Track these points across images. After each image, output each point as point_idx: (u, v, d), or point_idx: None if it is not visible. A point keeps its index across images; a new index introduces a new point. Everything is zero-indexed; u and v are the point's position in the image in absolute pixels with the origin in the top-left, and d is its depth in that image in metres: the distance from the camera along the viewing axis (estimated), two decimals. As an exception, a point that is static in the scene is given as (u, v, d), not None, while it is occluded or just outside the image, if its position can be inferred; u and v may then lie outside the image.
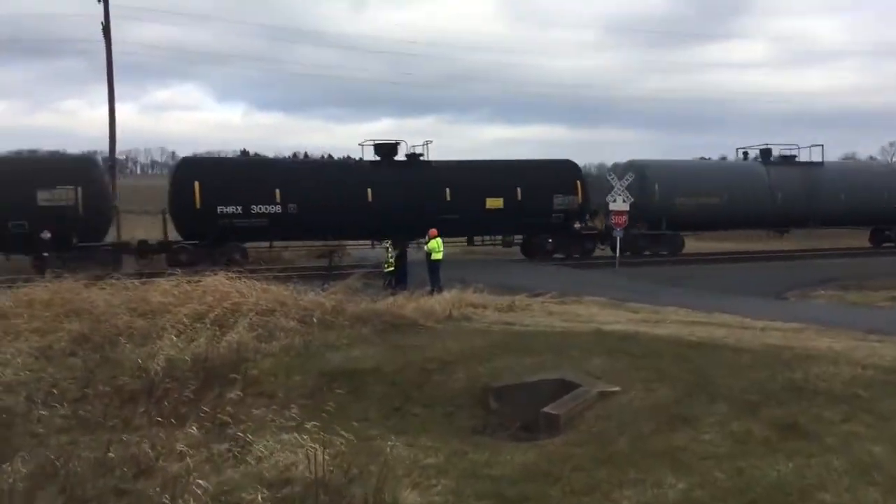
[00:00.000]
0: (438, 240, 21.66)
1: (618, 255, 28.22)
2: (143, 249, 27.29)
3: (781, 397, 9.28)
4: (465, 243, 31.36)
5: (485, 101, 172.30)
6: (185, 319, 13.63)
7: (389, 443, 8.62)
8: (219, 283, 15.18)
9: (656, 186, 32.25)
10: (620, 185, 27.95)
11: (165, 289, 14.90)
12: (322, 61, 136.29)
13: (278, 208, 27.48)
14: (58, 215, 24.89)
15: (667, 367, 10.93)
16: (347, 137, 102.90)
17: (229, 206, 26.92)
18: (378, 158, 30.16)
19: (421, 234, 27.57)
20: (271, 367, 12.04)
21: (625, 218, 27.76)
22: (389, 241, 21.53)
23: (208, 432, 9.78)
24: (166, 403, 10.48)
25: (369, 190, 28.72)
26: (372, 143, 30.35)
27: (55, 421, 9.87)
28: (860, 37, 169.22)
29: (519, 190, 30.33)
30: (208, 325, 13.19)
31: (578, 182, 31.80)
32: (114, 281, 15.50)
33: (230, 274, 15.83)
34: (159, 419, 10.06)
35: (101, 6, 39.88)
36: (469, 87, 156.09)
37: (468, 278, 24.01)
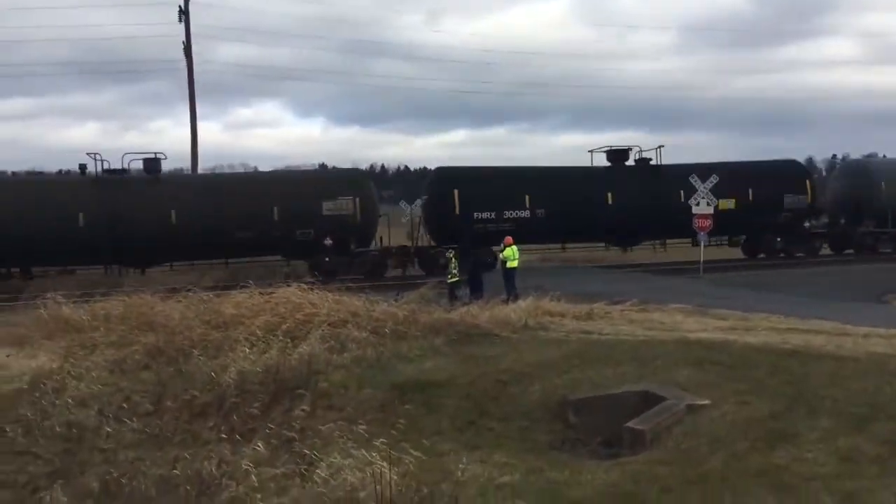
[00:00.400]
0: (514, 247, 21.13)
1: (702, 259, 27.05)
2: (400, 254, 28.96)
3: (891, 411, 8.41)
4: (690, 244, 31.13)
5: (560, 108, 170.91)
6: (257, 331, 13.50)
7: (462, 463, 8.11)
8: (291, 295, 15.02)
9: (882, 185, 32.40)
10: (704, 188, 26.82)
11: (238, 301, 14.81)
12: (397, 74, 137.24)
13: (527, 213, 28.90)
14: (339, 224, 27.25)
15: (761, 378, 10.15)
16: (422, 149, 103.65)
17: (484, 213, 28.36)
18: (609, 164, 31.57)
19: (656, 235, 31.19)
20: (342, 380, 11.73)
21: (709, 222, 26.59)
22: (454, 251, 21.01)
23: (276, 448, 9.53)
24: (235, 417, 10.29)
25: (609, 194, 29.99)
26: (606, 149, 31.78)
27: (125, 435, 9.77)
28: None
29: (750, 191, 31.13)
30: (280, 337, 12.98)
31: (807, 182, 32.63)
32: (188, 294, 15.51)
33: (302, 286, 15.65)
34: (228, 434, 9.86)
35: (182, 27, 41.22)
36: (544, 95, 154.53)
37: (546, 286, 23.53)
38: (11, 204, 25.77)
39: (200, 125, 39.57)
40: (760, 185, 31.35)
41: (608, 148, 31.85)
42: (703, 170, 28.70)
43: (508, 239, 21.35)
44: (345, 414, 10.52)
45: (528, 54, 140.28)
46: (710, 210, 26.63)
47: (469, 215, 28.23)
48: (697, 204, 26.53)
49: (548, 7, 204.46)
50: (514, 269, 21.04)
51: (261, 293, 15.17)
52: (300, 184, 29.17)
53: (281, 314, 14.09)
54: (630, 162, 31.87)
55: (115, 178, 27.29)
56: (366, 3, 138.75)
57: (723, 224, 29.52)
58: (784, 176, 32.30)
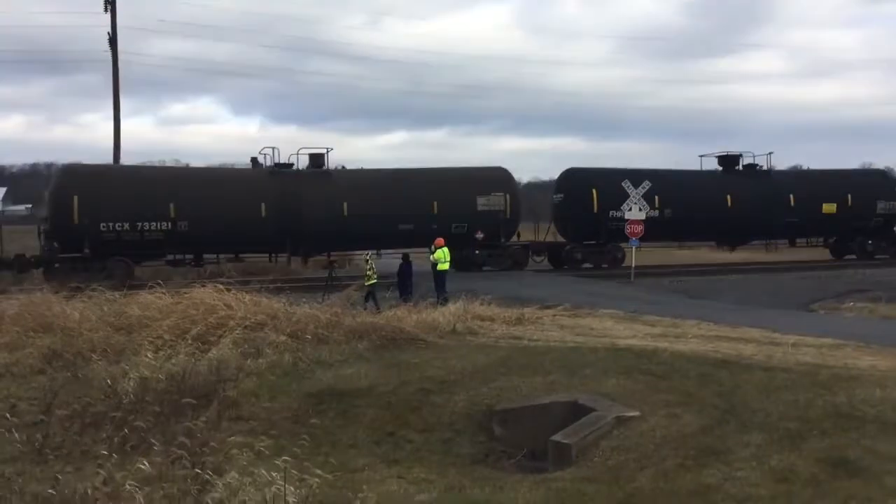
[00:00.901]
0: (445, 249, 20.59)
1: (633, 265, 27.00)
2: (537, 249, 31.08)
3: (825, 426, 8.10)
4: (788, 244, 35.15)
5: (499, 113, 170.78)
6: (164, 335, 12.58)
7: (376, 479, 7.47)
8: (205, 296, 14.13)
9: None
10: (637, 193, 26.78)
11: (146, 302, 13.86)
12: (337, 74, 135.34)
13: (656, 213, 29.87)
14: (491, 218, 29.12)
15: (691, 388, 9.78)
16: (362, 150, 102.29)
17: (617, 212, 28.62)
18: (721, 168, 33.53)
19: (765, 236, 34.16)
20: (253, 388, 10.96)
21: (641, 227, 26.52)
22: (371, 252, 20.27)
23: (170, 465, 8.70)
24: (130, 430, 9.40)
25: (728, 197, 31.97)
26: (718, 154, 33.69)
27: (4, 448, 8.81)
28: (876, 49, 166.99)
29: (849, 196, 33.51)
30: (189, 342, 12.12)
31: None
32: (92, 294, 14.47)
33: (218, 286, 14.77)
34: (120, 448, 9.01)
35: (109, 17, 39.54)
36: (483, 100, 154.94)
37: (477, 289, 23.06)
38: (200, 195, 26.89)
39: (133, 120, 38.20)
40: (858, 191, 33.81)
41: (723, 153, 33.55)
42: (815, 176, 34.10)
43: (440, 240, 20.80)
44: (252, 426, 9.78)
45: (469, 58, 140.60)
46: (643, 216, 26.58)
47: (606, 213, 29.45)
48: (630, 209, 26.45)
49: (490, 13, 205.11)
50: (444, 271, 20.53)
51: (173, 294, 14.23)
52: (457, 180, 30.22)
53: (191, 317, 13.20)
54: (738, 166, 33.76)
55: (288, 171, 28.85)
56: (308, 2, 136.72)
57: (825, 227, 33.63)
58: (877, 184, 35.16)
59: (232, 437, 9.34)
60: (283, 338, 13.04)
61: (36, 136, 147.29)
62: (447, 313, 16.71)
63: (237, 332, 12.83)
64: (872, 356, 11.48)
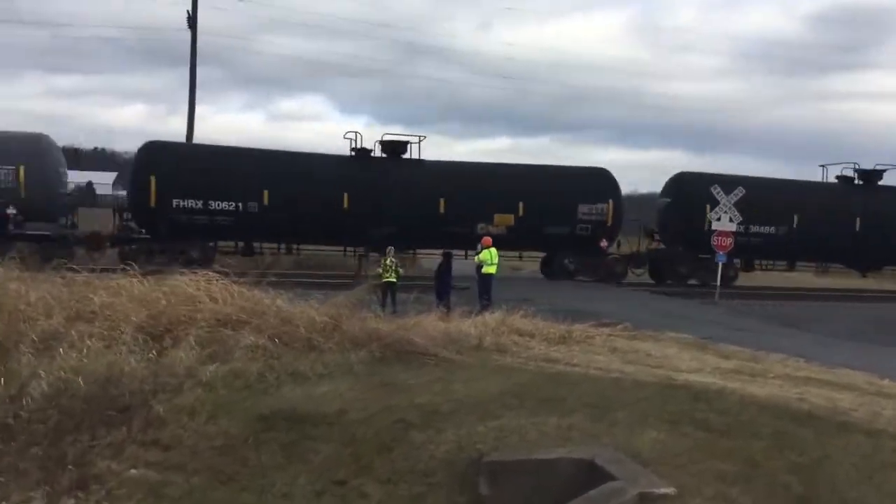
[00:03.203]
0: (493, 250, 18.04)
1: (718, 283, 23.73)
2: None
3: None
4: None
5: (604, 122, 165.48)
6: (122, 326, 10.54)
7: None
8: (185, 285, 12.05)
9: None
10: (728, 201, 23.51)
11: (115, 286, 11.88)
12: (445, 78, 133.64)
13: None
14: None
15: (758, 455, 6.99)
16: (463, 154, 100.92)
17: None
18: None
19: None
20: (194, 403, 8.74)
21: (730, 241, 23.26)
22: (392, 247, 17.82)
23: (53, 501, 6.56)
24: (14, 448, 7.30)
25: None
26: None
27: None
28: None
29: None
30: (139, 338, 10.02)
31: None
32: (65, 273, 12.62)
33: (211, 274, 12.68)
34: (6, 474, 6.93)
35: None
36: (588, 109, 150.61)
37: (534, 298, 20.42)
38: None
39: (245, 115, 37.39)
40: None
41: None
42: None
43: (487, 240, 18.29)
44: (166, 456, 7.53)
45: (578, 65, 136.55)
46: (733, 227, 23.33)
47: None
48: (718, 219, 23.23)
49: (604, 19, 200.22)
50: (490, 275, 17.99)
51: (147, 278, 12.22)
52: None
53: (161, 308, 11.13)
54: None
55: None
56: (420, 3, 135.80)
57: None
58: None
59: (132, 471, 7.12)
60: (262, 340, 10.80)
61: (154, 126, 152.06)
62: (480, 324, 14.22)
63: (204, 329, 10.63)
64: None
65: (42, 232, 24.38)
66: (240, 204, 24.99)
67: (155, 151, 26.14)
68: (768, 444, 7.33)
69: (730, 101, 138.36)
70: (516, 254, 28.12)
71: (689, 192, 28.50)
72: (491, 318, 14.79)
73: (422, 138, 27.09)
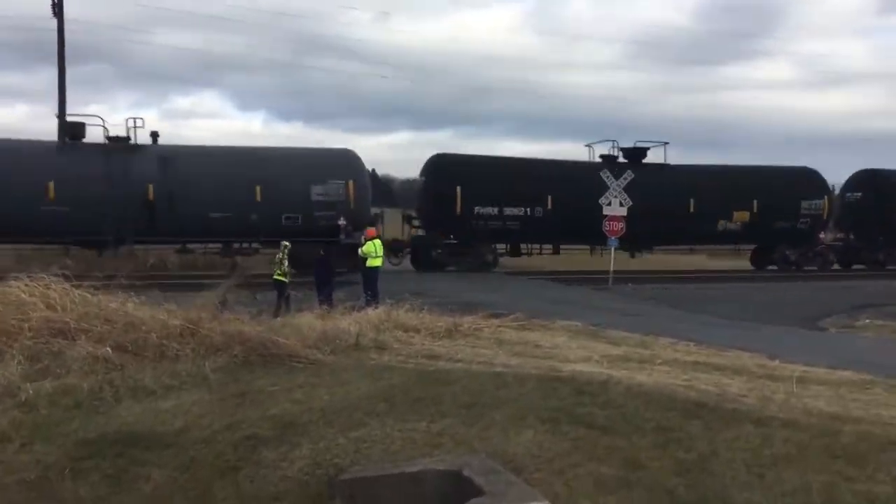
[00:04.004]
0: (377, 242, 17.08)
1: (612, 269, 23.48)
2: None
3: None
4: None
5: (505, 115, 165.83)
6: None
7: None
8: (19, 290, 10.62)
9: None
10: (618, 185, 23.27)
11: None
12: (343, 71, 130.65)
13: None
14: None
15: (642, 454, 6.31)
16: (367, 148, 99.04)
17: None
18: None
19: None
20: (5, 428, 7.45)
21: (621, 225, 23.01)
22: (286, 243, 16.66)
23: None
24: None
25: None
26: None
27: None
28: (886, 60, 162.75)
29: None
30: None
31: None
32: None
33: (50, 279, 11.22)
34: None
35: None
36: (489, 101, 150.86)
37: (428, 291, 19.57)
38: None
39: (139, 112, 34.71)
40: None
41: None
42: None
43: (371, 231, 17.29)
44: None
45: (477, 59, 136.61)
46: (624, 212, 23.10)
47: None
48: (609, 203, 22.95)
49: (501, 13, 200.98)
50: (376, 268, 17.03)
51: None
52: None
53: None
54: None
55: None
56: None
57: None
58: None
59: None
60: (103, 350, 9.53)
61: (38, 125, 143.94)
62: (363, 321, 13.27)
63: (34, 340, 9.30)
64: (915, 402, 7.99)
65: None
66: (528, 209, 26.93)
67: (457, 165, 27.90)
68: (653, 440, 6.68)
69: (624, 91, 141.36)
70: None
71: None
72: (374, 313, 13.87)
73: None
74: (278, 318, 13.13)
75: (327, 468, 6.78)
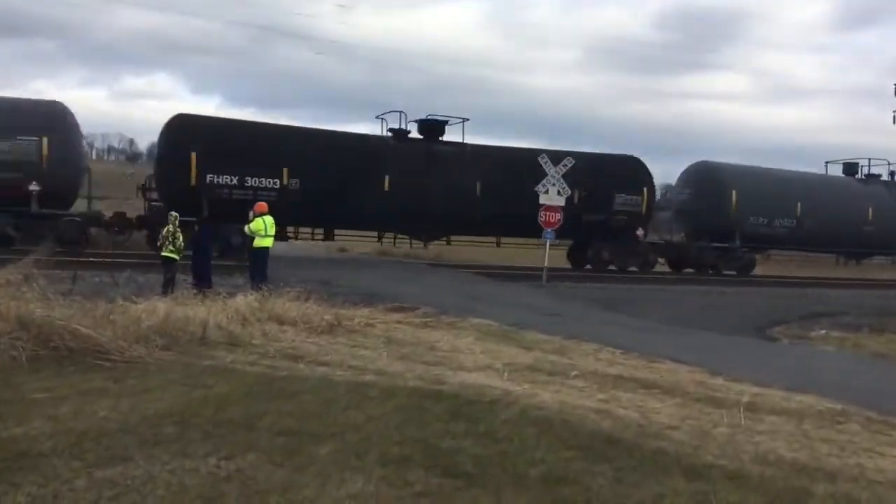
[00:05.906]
0: (268, 218, 14.57)
1: (546, 265, 21.27)
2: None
3: None
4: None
5: (462, 113, 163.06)
6: None
7: None
8: None
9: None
10: (556, 172, 21.05)
11: None
12: (302, 61, 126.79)
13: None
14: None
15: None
16: None
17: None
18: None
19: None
20: None
21: (559, 216, 20.83)
22: (175, 213, 14.06)
23: None
24: None
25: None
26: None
27: None
28: (835, 76, 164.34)
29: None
30: None
31: None
32: None
33: None
34: None
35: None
36: (448, 98, 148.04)
37: (334, 279, 17.20)
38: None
39: (84, 91, 31.42)
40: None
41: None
42: None
43: (261, 205, 14.76)
44: None
45: (437, 57, 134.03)
46: (562, 201, 20.94)
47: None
48: (546, 191, 20.76)
49: (461, 11, 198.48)
50: (265, 248, 14.55)
51: None
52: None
53: None
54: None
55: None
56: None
57: None
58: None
59: None
60: None
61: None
62: (230, 310, 10.91)
63: None
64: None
65: None
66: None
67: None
68: (534, 497, 4.44)
69: (581, 95, 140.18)
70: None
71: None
72: (244, 301, 11.48)
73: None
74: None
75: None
